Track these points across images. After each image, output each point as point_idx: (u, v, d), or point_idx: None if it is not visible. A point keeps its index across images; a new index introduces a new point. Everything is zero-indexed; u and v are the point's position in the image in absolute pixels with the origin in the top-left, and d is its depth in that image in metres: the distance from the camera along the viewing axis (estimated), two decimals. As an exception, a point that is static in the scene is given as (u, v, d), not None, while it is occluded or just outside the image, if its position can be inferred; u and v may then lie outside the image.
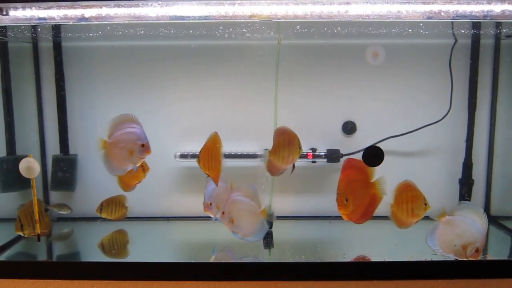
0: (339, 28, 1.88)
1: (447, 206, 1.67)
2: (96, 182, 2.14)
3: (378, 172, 1.81)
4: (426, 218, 1.65)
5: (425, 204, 1.64)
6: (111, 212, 1.92)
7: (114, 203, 1.92)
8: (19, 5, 1.60)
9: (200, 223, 2.07)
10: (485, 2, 1.59)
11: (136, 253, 1.84)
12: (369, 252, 1.75)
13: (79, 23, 1.65)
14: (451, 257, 1.57)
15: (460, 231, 1.56)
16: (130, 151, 1.62)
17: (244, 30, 1.87)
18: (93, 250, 1.86)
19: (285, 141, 1.68)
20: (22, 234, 1.79)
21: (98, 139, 1.63)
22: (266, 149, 1.71)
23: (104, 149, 1.63)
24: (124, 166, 1.66)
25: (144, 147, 1.62)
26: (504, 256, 1.74)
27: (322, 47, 2.09)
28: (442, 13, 1.61)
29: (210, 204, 1.76)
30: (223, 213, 1.65)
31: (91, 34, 1.97)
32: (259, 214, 1.66)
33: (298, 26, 1.85)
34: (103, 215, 1.92)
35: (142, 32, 1.91)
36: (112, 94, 2.13)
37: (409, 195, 1.64)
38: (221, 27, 1.85)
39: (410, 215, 1.65)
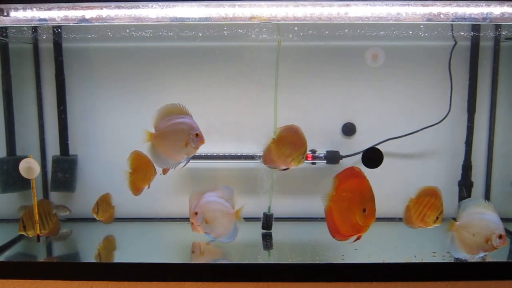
0: (340, 31, 1.88)
1: (448, 208, 1.69)
2: (96, 183, 2.14)
3: (378, 174, 1.82)
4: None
5: (437, 218, 1.63)
6: (103, 212, 1.91)
7: (105, 203, 1.91)
8: (19, 6, 1.60)
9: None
10: (484, 4, 1.59)
11: (136, 254, 1.84)
12: (369, 254, 1.74)
13: (80, 24, 1.66)
14: (482, 255, 1.57)
15: (476, 229, 1.56)
16: (185, 142, 1.55)
17: (244, 31, 1.88)
18: (93, 250, 1.85)
19: (293, 140, 1.64)
20: (25, 234, 1.78)
21: (144, 131, 1.54)
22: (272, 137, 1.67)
23: (150, 142, 1.54)
24: (178, 158, 1.57)
25: (199, 137, 1.55)
26: (503, 258, 1.73)
27: (322, 49, 2.09)
28: (442, 16, 1.62)
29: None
30: (196, 213, 1.62)
31: (90, 36, 1.97)
32: (232, 215, 1.66)
33: (297, 28, 1.85)
34: (98, 217, 1.90)
35: (147, 34, 1.92)
36: (113, 94, 2.13)
37: (430, 201, 1.64)
38: (225, 28, 1.85)
39: (420, 219, 1.65)
